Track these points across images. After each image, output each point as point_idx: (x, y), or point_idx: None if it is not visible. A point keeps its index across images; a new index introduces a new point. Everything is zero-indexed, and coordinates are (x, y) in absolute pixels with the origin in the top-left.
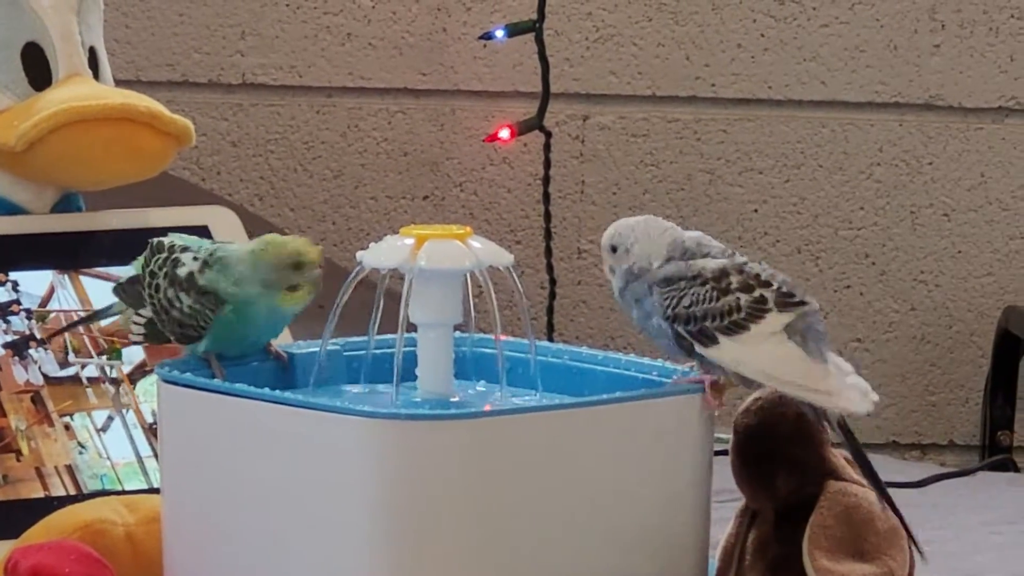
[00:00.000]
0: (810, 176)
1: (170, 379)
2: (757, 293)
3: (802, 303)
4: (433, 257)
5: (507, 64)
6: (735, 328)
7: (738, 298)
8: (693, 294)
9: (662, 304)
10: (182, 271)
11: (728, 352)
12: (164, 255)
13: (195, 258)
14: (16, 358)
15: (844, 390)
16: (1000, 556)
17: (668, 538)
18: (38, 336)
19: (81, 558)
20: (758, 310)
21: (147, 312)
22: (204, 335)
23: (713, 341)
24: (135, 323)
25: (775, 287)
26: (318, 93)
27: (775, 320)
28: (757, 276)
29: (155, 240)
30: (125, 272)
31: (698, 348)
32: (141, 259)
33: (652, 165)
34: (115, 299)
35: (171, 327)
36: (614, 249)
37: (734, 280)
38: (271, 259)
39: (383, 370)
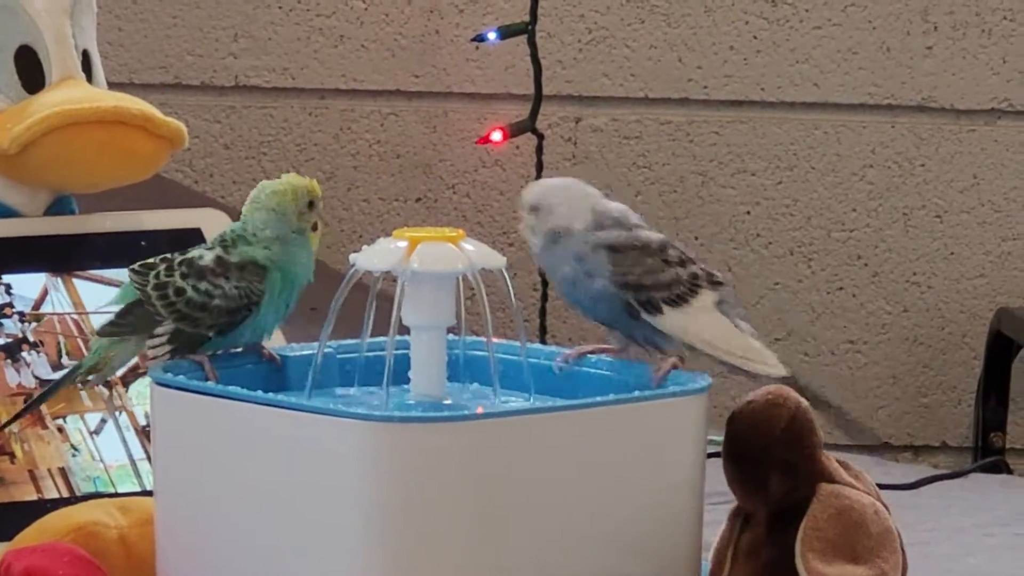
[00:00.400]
0: (803, 178)
1: (163, 381)
2: (691, 269)
3: (722, 283)
4: (426, 260)
5: (499, 66)
6: (677, 301)
7: (678, 272)
8: (644, 264)
9: (614, 270)
10: (204, 262)
11: (671, 321)
12: (162, 266)
13: (209, 248)
14: (9, 361)
15: (765, 356)
16: (993, 558)
17: (661, 540)
18: (31, 339)
19: (74, 560)
20: (694, 285)
21: (166, 327)
22: (255, 310)
23: (658, 311)
24: (154, 345)
25: (699, 265)
26: (311, 95)
27: (706, 296)
28: (683, 252)
29: (136, 265)
30: (117, 274)
31: (644, 315)
32: (130, 285)
33: (644, 167)
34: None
35: (215, 319)
36: (535, 209)
37: (672, 253)
38: (291, 207)
39: (376, 373)
